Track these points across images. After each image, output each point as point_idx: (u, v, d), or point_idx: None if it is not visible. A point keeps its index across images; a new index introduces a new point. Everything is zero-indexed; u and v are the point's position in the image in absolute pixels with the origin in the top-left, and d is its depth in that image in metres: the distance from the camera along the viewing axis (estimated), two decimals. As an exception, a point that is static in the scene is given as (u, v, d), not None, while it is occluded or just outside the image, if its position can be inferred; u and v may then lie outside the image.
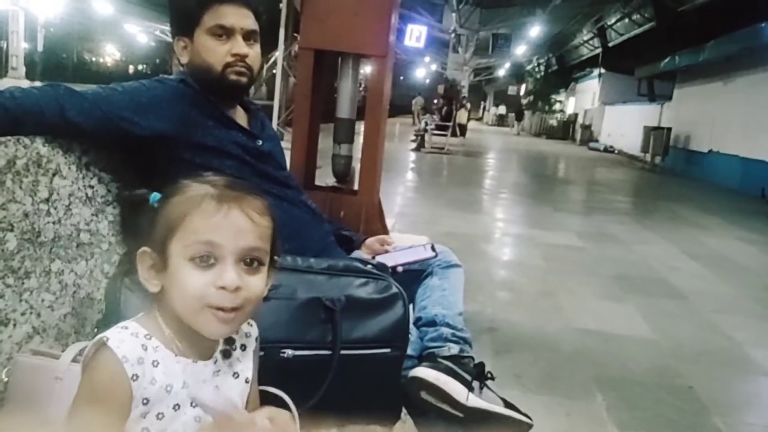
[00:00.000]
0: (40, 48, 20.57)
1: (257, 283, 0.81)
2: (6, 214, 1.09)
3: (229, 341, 0.89)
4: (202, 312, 0.78)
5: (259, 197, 0.84)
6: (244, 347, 0.91)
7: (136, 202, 0.88)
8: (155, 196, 0.86)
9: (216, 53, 1.47)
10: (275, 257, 0.87)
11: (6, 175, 1.10)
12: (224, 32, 1.47)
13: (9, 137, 1.12)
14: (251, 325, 0.94)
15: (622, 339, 3.35)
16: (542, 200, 8.71)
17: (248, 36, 1.50)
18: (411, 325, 1.49)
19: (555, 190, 10.78)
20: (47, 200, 1.19)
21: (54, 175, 1.23)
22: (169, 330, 0.81)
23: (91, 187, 1.33)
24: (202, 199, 0.79)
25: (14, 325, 1.10)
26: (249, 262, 0.80)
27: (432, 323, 1.57)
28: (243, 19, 1.48)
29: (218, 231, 0.78)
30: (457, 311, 1.61)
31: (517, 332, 3.31)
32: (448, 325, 1.55)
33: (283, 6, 9.49)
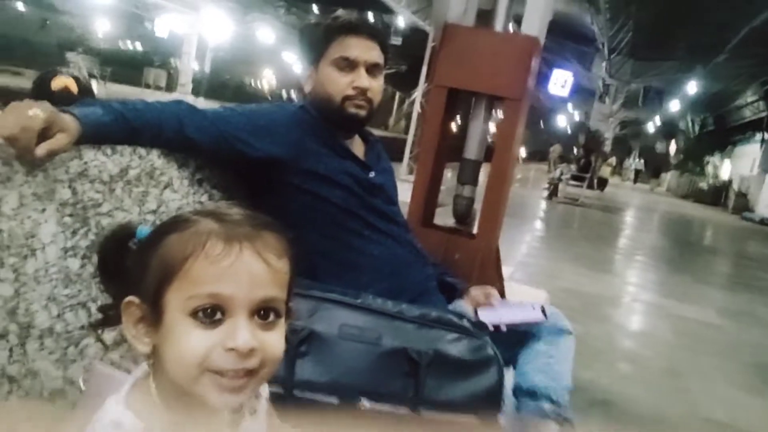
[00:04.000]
0: (207, 69, 22.56)
1: (275, 340, 0.66)
2: (112, 221, 1.12)
3: (238, 408, 0.72)
4: (202, 378, 0.62)
5: (276, 231, 0.68)
6: (254, 411, 0.75)
7: (119, 238, 0.72)
8: (142, 230, 0.70)
9: (337, 84, 1.47)
10: (290, 305, 0.70)
11: (117, 183, 1.14)
12: (348, 64, 1.47)
13: (126, 147, 1.15)
14: (257, 389, 0.75)
15: (759, 440, 2.91)
16: (681, 268, 8.01)
17: (372, 68, 1.49)
18: (508, 392, 1.36)
19: (697, 259, 9.89)
20: (154, 212, 1.22)
21: (165, 187, 1.25)
22: (164, 403, 0.65)
23: (201, 203, 1.35)
24: (207, 237, 0.63)
25: (101, 330, 1.11)
26: (264, 314, 0.65)
27: (532, 394, 1.42)
28: (368, 51, 1.47)
29: (227, 279, 0.62)
30: (562, 384, 1.45)
31: (633, 411, 2.99)
32: (550, 400, 1.40)
33: (428, 45, 9.66)
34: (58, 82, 2.27)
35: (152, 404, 0.65)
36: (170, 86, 22.59)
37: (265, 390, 0.78)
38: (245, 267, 0.63)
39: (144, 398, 0.65)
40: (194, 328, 0.62)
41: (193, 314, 0.62)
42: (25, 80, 16.41)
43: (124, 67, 26.54)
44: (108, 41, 31.05)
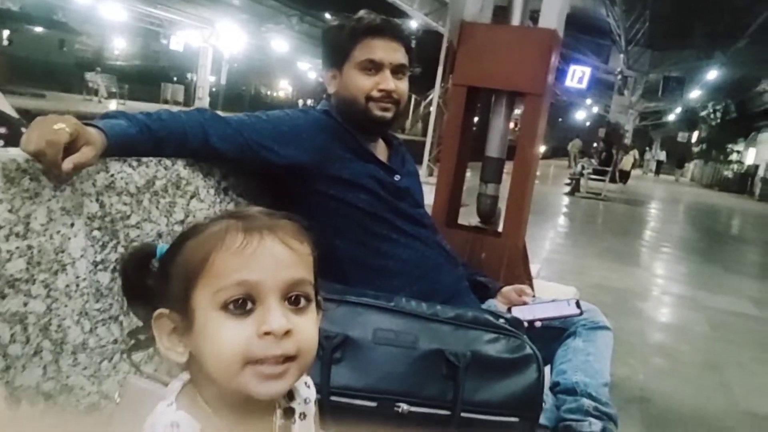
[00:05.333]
0: (223, 81, 22.79)
1: (308, 324, 0.65)
2: (140, 232, 1.11)
3: (288, 413, 0.72)
4: (243, 371, 0.61)
5: (294, 220, 0.67)
6: (304, 416, 0.74)
7: (140, 259, 0.70)
8: (162, 248, 0.69)
9: (362, 87, 1.46)
10: (318, 298, 0.69)
11: (144, 195, 1.13)
12: (373, 66, 1.46)
13: (151, 158, 1.15)
14: (309, 387, 0.76)
15: (806, 432, 2.83)
16: (711, 259, 7.85)
17: (397, 70, 1.47)
18: (546, 390, 1.32)
19: (727, 249, 9.70)
20: (182, 222, 1.21)
21: (192, 197, 1.25)
22: (212, 409, 0.64)
23: (227, 211, 1.34)
24: (225, 232, 0.63)
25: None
26: (294, 299, 0.64)
27: (572, 391, 1.38)
28: (392, 53, 1.46)
29: (252, 266, 0.62)
30: (602, 381, 1.41)
31: (672, 406, 2.92)
32: (590, 396, 1.36)
33: (443, 45, 9.64)
34: None
35: (202, 409, 0.64)
36: (188, 100, 22.83)
37: (312, 395, 0.76)
38: (268, 251, 0.63)
39: (193, 403, 0.65)
40: (226, 320, 0.61)
41: (224, 307, 0.61)
42: (45, 102, 16.72)
43: (142, 83, 26.87)
44: (125, 59, 31.51)
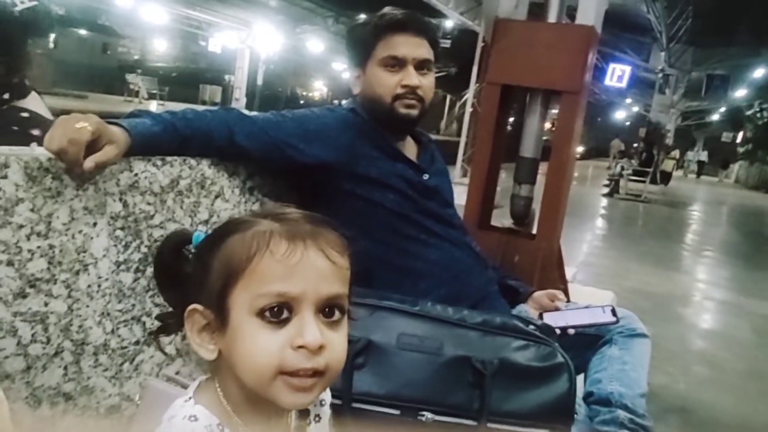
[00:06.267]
0: (260, 82, 23.01)
1: (340, 340, 0.65)
2: (164, 232, 1.10)
3: (303, 414, 0.73)
4: (276, 381, 0.62)
5: (336, 230, 0.67)
6: (318, 418, 0.75)
7: (175, 244, 0.71)
8: (198, 236, 0.69)
9: (386, 84, 1.42)
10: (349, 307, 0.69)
11: (168, 194, 1.12)
12: (396, 62, 1.42)
13: (175, 157, 1.14)
14: (325, 390, 0.75)
15: None
16: (756, 263, 7.57)
17: (421, 65, 1.43)
18: (579, 401, 1.27)
19: (773, 253, 9.37)
20: (206, 222, 1.20)
21: (216, 197, 1.23)
22: (231, 407, 0.65)
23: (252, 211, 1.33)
24: (270, 236, 0.63)
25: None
26: (328, 312, 0.64)
27: (606, 402, 1.32)
28: (416, 48, 1.42)
29: (295, 277, 0.62)
30: (638, 392, 1.35)
31: (714, 417, 2.81)
32: (626, 408, 1.30)
33: (478, 44, 9.55)
34: None
35: (220, 405, 0.65)
36: (225, 101, 23.15)
37: (328, 397, 0.77)
38: (311, 263, 0.63)
39: (211, 399, 0.66)
40: (262, 328, 0.61)
41: (260, 314, 0.62)
42: (87, 103, 17.16)
43: (181, 85, 27.35)
44: (165, 61, 32.16)
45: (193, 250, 0.69)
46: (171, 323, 0.71)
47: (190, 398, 0.66)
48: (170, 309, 0.71)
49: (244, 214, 0.69)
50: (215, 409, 0.64)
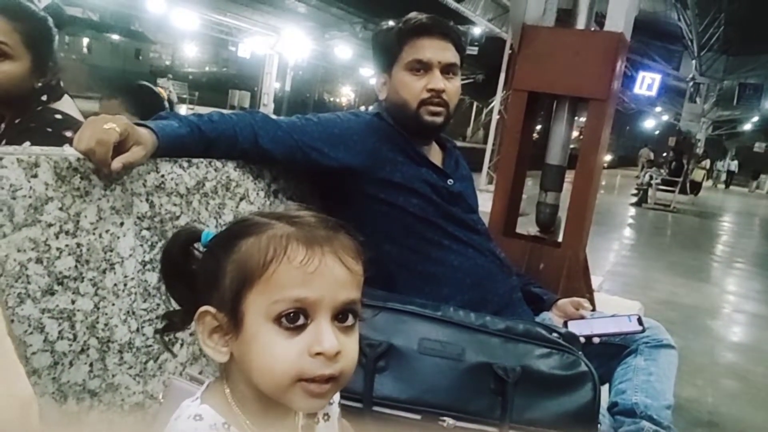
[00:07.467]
0: (288, 88, 23.23)
1: (353, 345, 0.65)
2: (188, 233, 1.11)
3: (311, 413, 0.72)
4: (294, 387, 0.61)
5: (350, 233, 0.66)
6: (327, 417, 0.75)
7: (184, 241, 0.69)
8: (207, 234, 0.68)
9: (412, 89, 1.42)
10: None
11: (194, 196, 1.13)
12: (422, 67, 1.42)
13: (201, 159, 1.15)
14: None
15: None
16: (789, 276, 7.39)
17: (447, 69, 1.43)
18: (603, 411, 1.25)
19: (807, 266, 9.12)
20: (231, 223, 1.21)
21: (241, 199, 1.24)
22: (239, 407, 0.65)
23: (277, 214, 1.34)
24: (287, 241, 0.62)
25: (181, 344, 1.11)
26: (342, 317, 0.64)
27: (631, 413, 1.30)
28: (441, 52, 1.42)
29: (313, 284, 0.61)
30: (664, 403, 1.32)
31: (743, 432, 2.74)
32: (650, 419, 1.28)
33: (506, 51, 9.51)
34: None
35: (227, 405, 0.65)
36: (254, 106, 23.46)
37: (337, 396, 0.76)
38: (329, 271, 0.62)
39: (219, 399, 0.65)
40: (278, 335, 0.61)
41: (277, 319, 0.61)
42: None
43: (211, 90, 27.79)
44: (196, 66, 32.64)
45: (202, 249, 0.69)
46: (176, 321, 0.70)
47: (197, 398, 0.66)
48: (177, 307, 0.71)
49: (254, 213, 0.68)
50: (222, 409, 0.64)
